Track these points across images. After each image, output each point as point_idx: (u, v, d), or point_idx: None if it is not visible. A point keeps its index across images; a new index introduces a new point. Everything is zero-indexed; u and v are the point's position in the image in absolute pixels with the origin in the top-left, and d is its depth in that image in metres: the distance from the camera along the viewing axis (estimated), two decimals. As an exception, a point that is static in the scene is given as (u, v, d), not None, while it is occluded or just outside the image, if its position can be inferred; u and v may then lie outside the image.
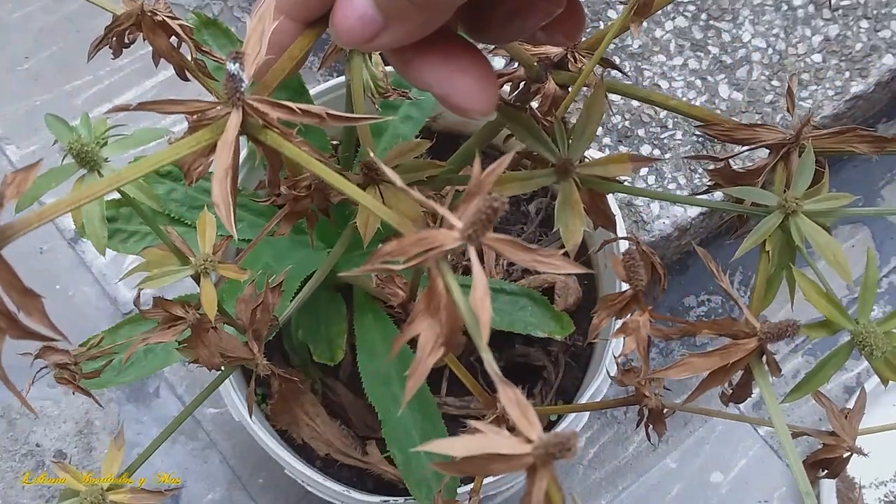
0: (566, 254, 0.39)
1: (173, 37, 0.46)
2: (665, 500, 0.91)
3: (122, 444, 0.46)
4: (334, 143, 0.76)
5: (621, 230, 0.76)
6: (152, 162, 0.25)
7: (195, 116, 0.26)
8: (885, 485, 0.91)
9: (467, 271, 0.83)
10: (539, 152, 0.40)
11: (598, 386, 0.73)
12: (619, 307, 0.40)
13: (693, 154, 0.88)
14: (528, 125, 0.40)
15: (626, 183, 0.87)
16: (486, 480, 0.72)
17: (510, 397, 0.22)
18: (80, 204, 0.23)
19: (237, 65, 0.25)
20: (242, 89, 0.26)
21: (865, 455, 0.46)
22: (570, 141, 0.40)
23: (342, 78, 0.78)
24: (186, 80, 0.48)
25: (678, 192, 0.87)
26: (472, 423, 0.23)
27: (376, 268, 0.23)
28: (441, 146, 0.84)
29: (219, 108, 0.26)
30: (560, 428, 0.73)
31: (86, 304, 0.98)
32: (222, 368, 0.48)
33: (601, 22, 0.92)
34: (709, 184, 0.43)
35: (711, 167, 0.43)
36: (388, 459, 0.77)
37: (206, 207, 0.46)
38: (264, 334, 0.47)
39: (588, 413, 0.74)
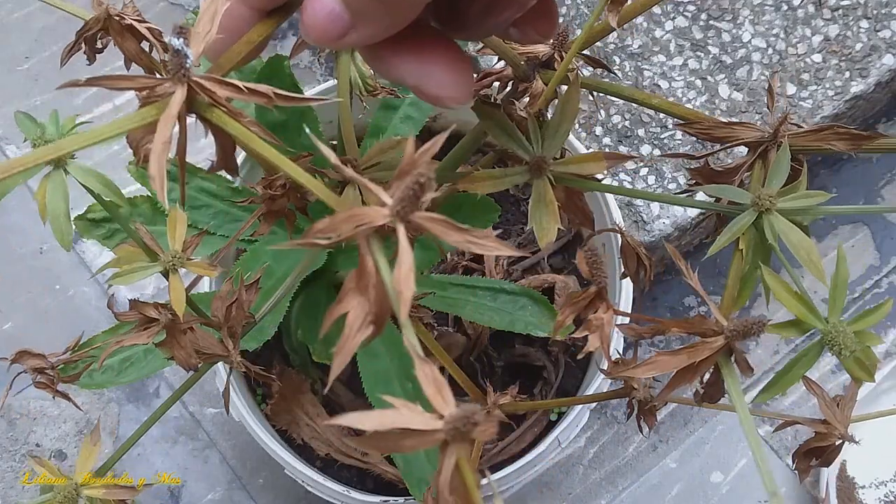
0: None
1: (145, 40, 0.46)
2: (665, 500, 0.91)
3: (98, 440, 0.46)
4: (333, 143, 0.76)
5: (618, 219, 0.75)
6: (94, 135, 0.25)
7: (144, 93, 0.26)
8: (885, 485, 0.91)
9: (467, 271, 0.83)
10: (512, 150, 0.40)
11: (598, 385, 0.73)
12: (584, 304, 0.40)
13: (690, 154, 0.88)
14: (502, 122, 0.40)
15: (626, 183, 0.87)
16: (485, 480, 0.72)
17: (426, 373, 0.23)
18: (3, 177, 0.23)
19: (181, 40, 0.25)
20: (187, 65, 0.25)
21: (856, 443, 0.46)
22: (545, 138, 0.40)
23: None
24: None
25: (678, 193, 0.87)
26: (389, 398, 0.23)
27: (308, 242, 0.24)
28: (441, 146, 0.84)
29: (167, 84, 0.26)
30: (560, 428, 0.73)
31: (86, 304, 0.98)
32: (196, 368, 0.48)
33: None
34: (690, 183, 0.43)
35: (693, 166, 0.43)
36: (388, 459, 0.77)
37: (175, 204, 0.47)
38: (240, 332, 0.48)
39: (588, 413, 0.75)
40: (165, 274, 0.45)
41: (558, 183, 0.40)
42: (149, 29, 0.45)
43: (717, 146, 0.41)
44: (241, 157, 0.76)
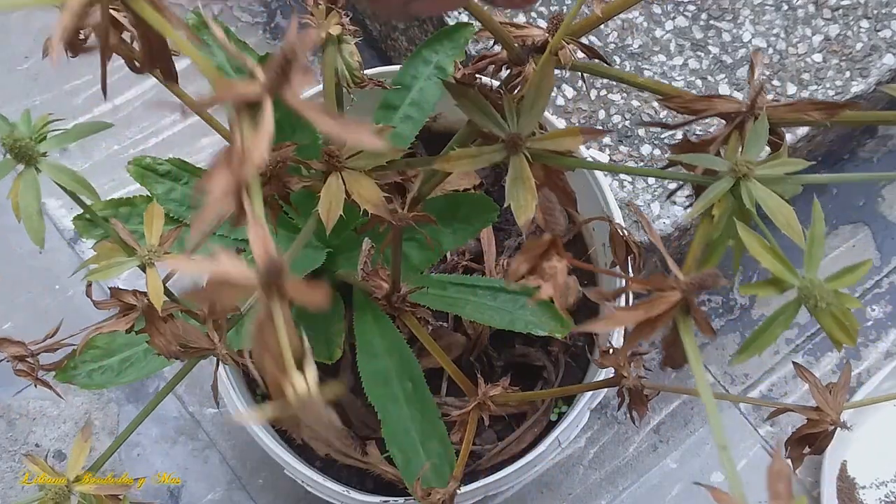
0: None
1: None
2: (665, 500, 0.91)
3: (89, 437, 0.47)
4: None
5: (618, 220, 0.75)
6: (7, 4, 0.25)
7: None
8: (886, 485, 0.91)
9: (467, 270, 0.83)
10: (488, 128, 0.40)
11: (598, 386, 0.73)
12: (538, 253, 0.39)
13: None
14: (476, 100, 0.40)
15: (626, 183, 0.87)
16: (485, 480, 0.72)
17: (256, 233, 0.23)
18: None
19: None
20: None
21: (848, 429, 0.46)
22: (520, 115, 0.40)
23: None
24: (140, 71, 0.49)
25: (662, 167, 0.86)
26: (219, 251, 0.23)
27: (192, 102, 0.24)
28: (441, 146, 0.84)
29: None
30: (560, 428, 0.73)
31: (86, 304, 0.98)
32: (180, 358, 0.48)
33: (602, 24, 0.92)
34: (670, 158, 0.43)
35: (674, 143, 0.43)
36: (387, 459, 0.77)
37: (153, 200, 0.47)
38: (224, 325, 0.48)
39: (588, 413, 0.74)
40: (143, 268, 0.46)
41: (536, 160, 0.40)
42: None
43: (694, 118, 0.41)
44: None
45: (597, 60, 0.46)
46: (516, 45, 0.42)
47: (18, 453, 0.91)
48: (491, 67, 0.46)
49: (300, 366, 0.22)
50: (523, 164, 0.39)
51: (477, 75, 0.45)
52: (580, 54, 0.45)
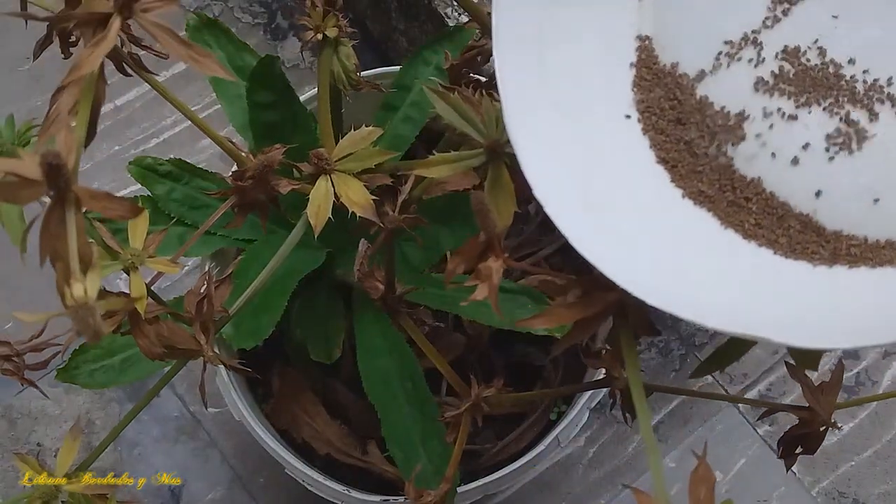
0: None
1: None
2: (665, 499, 0.91)
3: (79, 436, 0.47)
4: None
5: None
6: None
7: None
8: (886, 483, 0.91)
9: (468, 270, 0.83)
10: (467, 132, 0.39)
11: (597, 385, 0.73)
12: (475, 253, 0.39)
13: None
14: (455, 105, 0.39)
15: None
16: (484, 479, 0.72)
17: (62, 137, 0.24)
18: None
19: None
20: None
21: (839, 429, 0.46)
22: (500, 119, 0.39)
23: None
24: (128, 75, 0.49)
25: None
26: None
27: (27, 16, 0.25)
28: (427, 146, 0.84)
29: None
30: (560, 428, 0.73)
31: (86, 304, 0.98)
32: (164, 360, 0.48)
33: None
34: None
35: None
36: (388, 459, 0.77)
37: (139, 201, 0.47)
38: (212, 327, 0.48)
39: (588, 413, 0.75)
40: (127, 271, 0.46)
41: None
42: None
43: None
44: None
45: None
46: None
47: (20, 453, 0.92)
48: (479, 58, 0.46)
49: (85, 272, 0.22)
50: (502, 170, 0.38)
51: (473, 74, 0.45)
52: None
